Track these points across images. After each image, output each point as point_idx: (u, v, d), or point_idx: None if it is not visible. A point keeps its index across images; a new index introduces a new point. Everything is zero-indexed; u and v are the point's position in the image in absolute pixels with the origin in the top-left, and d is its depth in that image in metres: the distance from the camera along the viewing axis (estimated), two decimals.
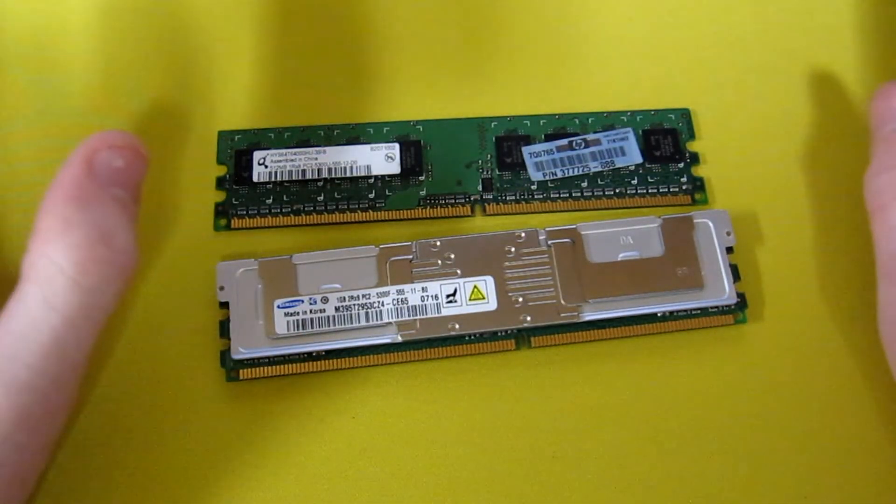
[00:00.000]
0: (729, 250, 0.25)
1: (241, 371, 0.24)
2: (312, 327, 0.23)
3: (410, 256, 0.24)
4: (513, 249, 0.24)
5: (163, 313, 0.25)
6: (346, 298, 0.24)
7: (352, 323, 0.23)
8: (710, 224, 0.25)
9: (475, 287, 0.24)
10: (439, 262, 0.24)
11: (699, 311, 0.25)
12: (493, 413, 0.24)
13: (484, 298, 0.24)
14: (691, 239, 0.25)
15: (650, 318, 0.24)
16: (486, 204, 0.26)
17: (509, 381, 0.24)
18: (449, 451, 0.23)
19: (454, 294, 0.24)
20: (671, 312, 0.24)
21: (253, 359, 0.23)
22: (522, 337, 0.24)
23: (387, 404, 0.24)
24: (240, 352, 0.23)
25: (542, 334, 0.24)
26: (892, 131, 0.23)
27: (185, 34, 0.29)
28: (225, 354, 0.24)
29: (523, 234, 0.24)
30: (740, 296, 0.25)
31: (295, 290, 0.24)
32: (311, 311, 0.23)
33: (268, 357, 0.24)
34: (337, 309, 0.23)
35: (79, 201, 0.19)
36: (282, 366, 0.24)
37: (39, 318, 0.19)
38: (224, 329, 0.24)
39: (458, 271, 0.24)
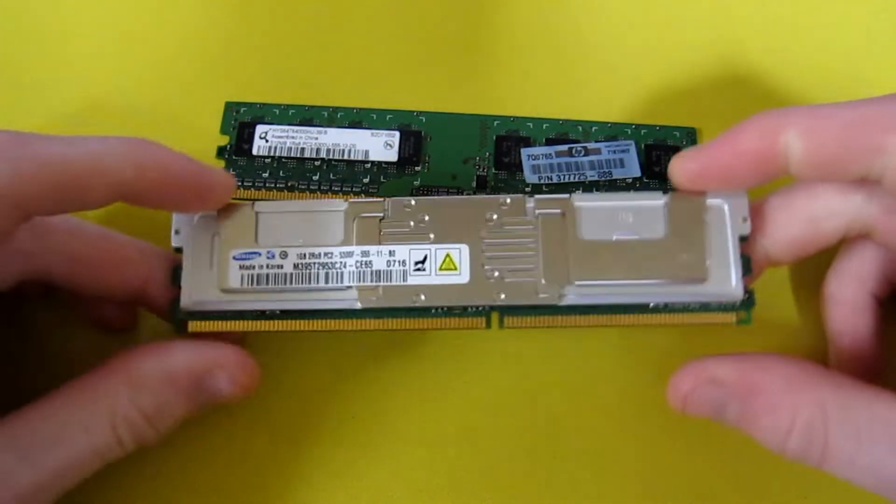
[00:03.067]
0: (742, 239, 0.22)
1: (189, 323, 0.22)
2: (268, 283, 0.22)
3: (381, 214, 0.22)
4: (494, 217, 0.22)
5: None
6: (307, 255, 0.22)
7: (310, 283, 0.22)
8: (725, 207, 0.21)
9: (447, 256, 0.21)
10: (412, 223, 0.22)
11: (699, 306, 0.22)
12: (456, 395, 0.24)
13: (455, 269, 0.22)
14: (700, 222, 0.21)
15: (641, 308, 0.22)
16: None
17: (476, 362, 0.24)
18: (400, 426, 0.24)
19: (423, 261, 0.22)
20: (666, 304, 0.22)
21: (203, 312, 0.22)
22: (495, 314, 0.22)
23: (339, 372, 0.24)
24: (190, 302, 0.22)
25: (516, 315, 0.22)
26: None
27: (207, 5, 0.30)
28: (175, 303, 0.22)
29: (508, 200, 0.22)
30: (748, 292, 0.21)
31: (254, 240, 0.22)
32: (267, 266, 0.22)
33: (219, 311, 0.22)
34: (295, 266, 0.22)
35: (166, 384, 0.20)
36: (234, 321, 0.22)
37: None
38: (176, 276, 0.22)
39: (431, 235, 0.22)
